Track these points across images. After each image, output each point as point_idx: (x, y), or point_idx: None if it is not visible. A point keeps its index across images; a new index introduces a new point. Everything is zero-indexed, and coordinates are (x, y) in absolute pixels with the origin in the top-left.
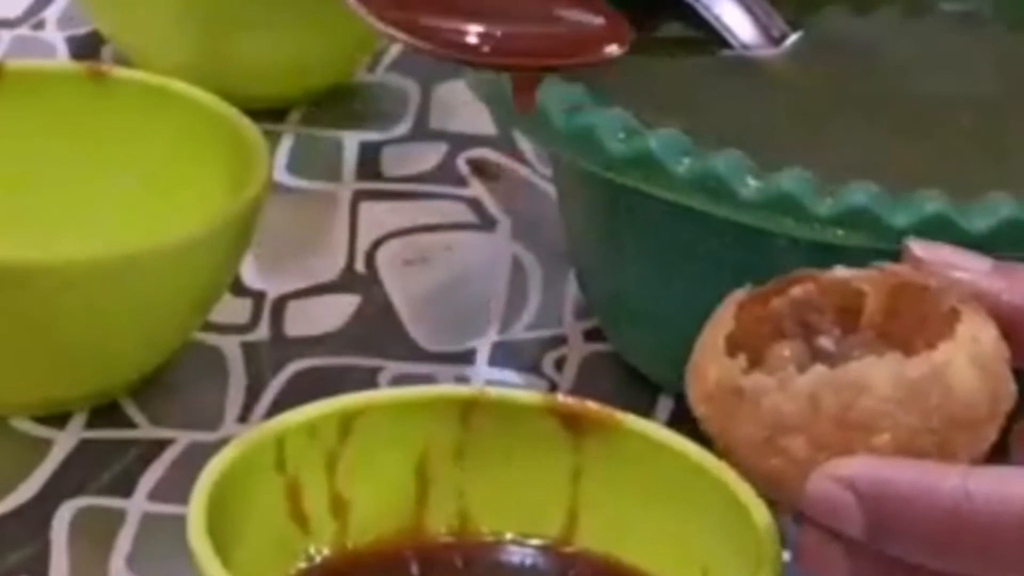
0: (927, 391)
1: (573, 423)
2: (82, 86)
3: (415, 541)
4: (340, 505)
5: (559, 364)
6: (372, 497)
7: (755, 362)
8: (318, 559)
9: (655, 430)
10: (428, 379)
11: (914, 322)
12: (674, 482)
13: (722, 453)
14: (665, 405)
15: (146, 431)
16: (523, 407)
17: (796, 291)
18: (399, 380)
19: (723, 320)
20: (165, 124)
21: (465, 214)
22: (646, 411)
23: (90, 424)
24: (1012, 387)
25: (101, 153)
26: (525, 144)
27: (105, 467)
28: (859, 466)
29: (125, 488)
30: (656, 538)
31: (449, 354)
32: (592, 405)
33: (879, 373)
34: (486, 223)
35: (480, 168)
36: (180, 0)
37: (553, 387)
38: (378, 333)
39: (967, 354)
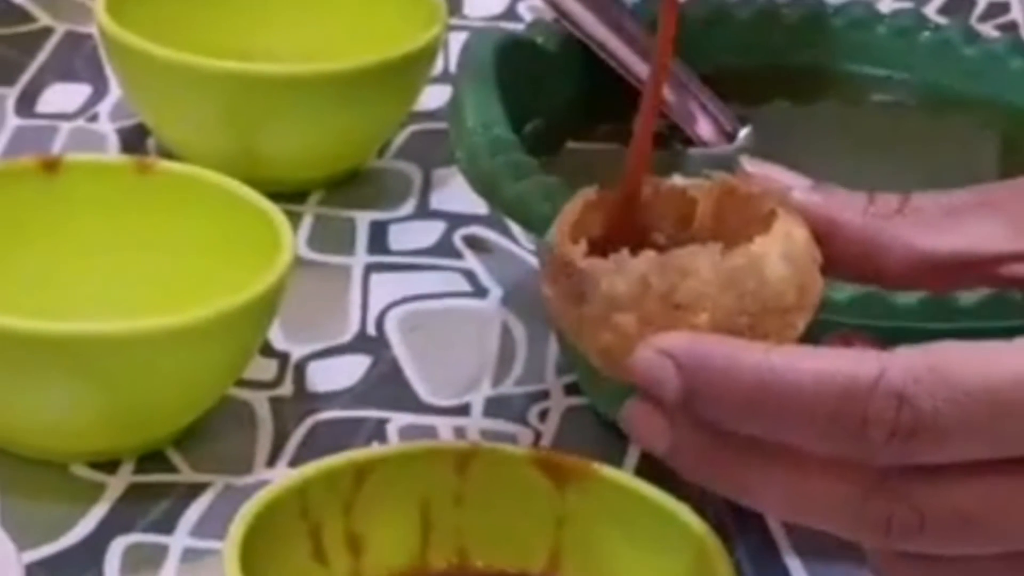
0: (743, 278)
1: (556, 473)
2: (131, 176)
3: (420, 573)
4: (355, 543)
5: (543, 415)
6: (383, 536)
7: (595, 252)
8: None
9: (628, 479)
10: (430, 429)
11: (738, 224)
12: (645, 525)
13: (565, 331)
14: (634, 452)
15: (187, 476)
16: (512, 459)
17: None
18: (405, 430)
19: (571, 213)
20: (202, 210)
21: (461, 284)
22: (618, 456)
23: (138, 470)
24: (819, 283)
25: (145, 235)
26: (512, 222)
27: (151, 507)
28: (679, 339)
29: (168, 526)
30: (629, 572)
31: (448, 407)
32: (572, 458)
33: (702, 260)
34: (479, 292)
35: (474, 243)
36: (215, 99)
37: (538, 436)
38: (387, 389)
39: (781, 248)
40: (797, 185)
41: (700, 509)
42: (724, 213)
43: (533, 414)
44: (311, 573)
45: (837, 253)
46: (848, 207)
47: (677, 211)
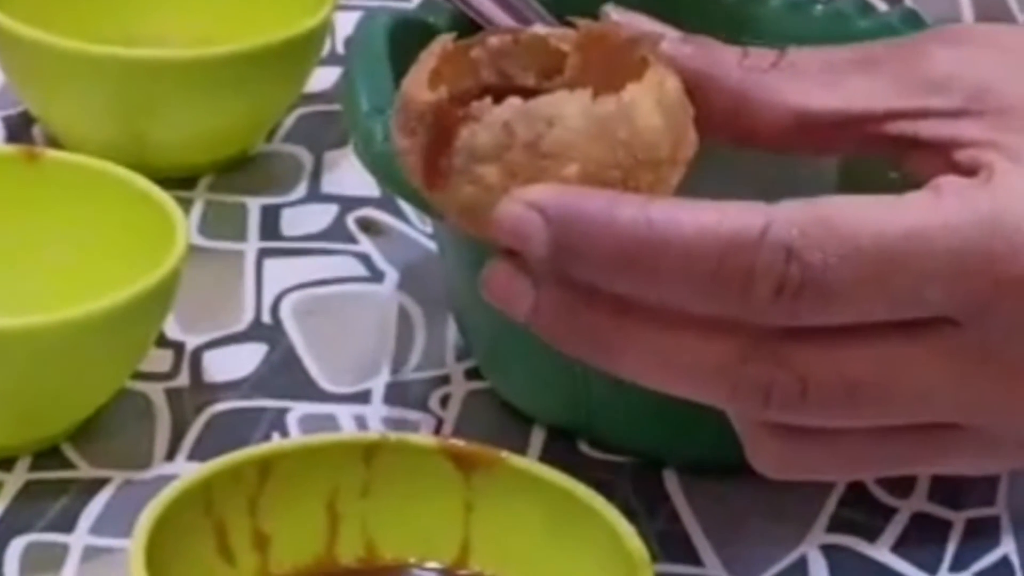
0: (614, 127)
1: (463, 462)
2: (19, 166)
3: (328, 569)
4: (261, 540)
5: (444, 401)
6: (289, 531)
7: (455, 102)
8: None
9: (535, 467)
10: (330, 418)
11: (607, 74)
12: (553, 513)
13: (419, 187)
14: (538, 435)
15: (85, 472)
16: (419, 449)
17: (493, 41)
18: (305, 419)
19: (427, 61)
20: (92, 199)
21: (356, 268)
22: (521, 441)
23: (34, 467)
24: (694, 137)
25: (34, 226)
26: (407, 204)
27: (49, 506)
28: (548, 191)
29: (68, 524)
30: (541, 563)
31: (348, 395)
32: (479, 446)
33: (570, 106)
34: (375, 276)
35: (368, 226)
36: (102, 85)
37: (440, 422)
38: (285, 377)
39: (653, 97)
40: (667, 35)
41: (608, 493)
42: (592, 64)
43: (434, 400)
44: (217, 571)
45: (707, 110)
46: (720, 60)
47: (540, 62)
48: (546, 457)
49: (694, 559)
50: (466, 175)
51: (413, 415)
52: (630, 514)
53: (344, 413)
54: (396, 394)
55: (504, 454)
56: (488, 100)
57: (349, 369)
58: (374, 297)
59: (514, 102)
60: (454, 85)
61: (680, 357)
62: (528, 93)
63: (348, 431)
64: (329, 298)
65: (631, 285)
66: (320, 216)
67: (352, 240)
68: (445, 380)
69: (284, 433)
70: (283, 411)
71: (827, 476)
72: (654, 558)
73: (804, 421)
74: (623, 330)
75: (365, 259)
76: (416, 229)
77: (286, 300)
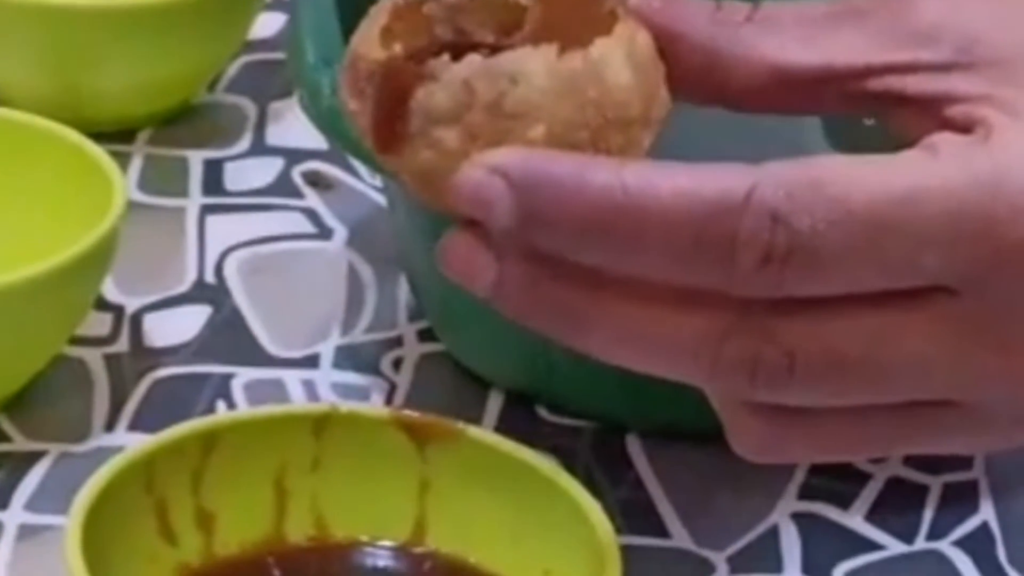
0: (583, 85)
1: (417, 434)
2: None
3: (276, 548)
4: (205, 519)
5: (397, 364)
6: (235, 509)
7: (409, 60)
8: (186, 572)
9: (493, 438)
10: (277, 384)
11: (573, 29)
12: (514, 487)
13: (371, 152)
14: (495, 400)
15: (20, 444)
16: (371, 421)
17: None
18: (251, 386)
19: (378, 17)
20: (27, 156)
21: (303, 224)
22: (478, 406)
23: None
24: (666, 96)
25: None
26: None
27: None
28: (512, 155)
29: (2, 500)
30: (500, 540)
31: (295, 359)
32: (434, 418)
33: (535, 63)
34: (323, 232)
35: (315, 180)
36: (36, 37)
37: (393, 387)
38: (229, 341)
39: (623, 53)
40: None
41: (569, 460)
42: (555, 18)
43: (386, 363)
44: (158, 552)
45: (679, 68)
46: (691, 14)
47: (499, 17)
48: (504, 423)
49: (660, 530)
50: (423, 139)
51: (364, 380)
52: (592, 483)
53: (292, 378)
54: (346, 358)
55: (461, 426)
56: (445, 57)
57: (297, 331)
58: (322, 255)
59: (474, 59)
60: (407, 43)
61: (656, 333)
62: (488, 52)
63: (297, 401)
64: (275, 256)
65: (603, 256)
66: (265, 170)
67: (299, 195)
68: (397, 342)
69: (229, 400)
70: (228, 377)
71: (814, 458)
72: (618, 530)
73: (791, 400)
74: (594, 305)
75: (312, 215)
76: (366, 183)
77: (230, 259)
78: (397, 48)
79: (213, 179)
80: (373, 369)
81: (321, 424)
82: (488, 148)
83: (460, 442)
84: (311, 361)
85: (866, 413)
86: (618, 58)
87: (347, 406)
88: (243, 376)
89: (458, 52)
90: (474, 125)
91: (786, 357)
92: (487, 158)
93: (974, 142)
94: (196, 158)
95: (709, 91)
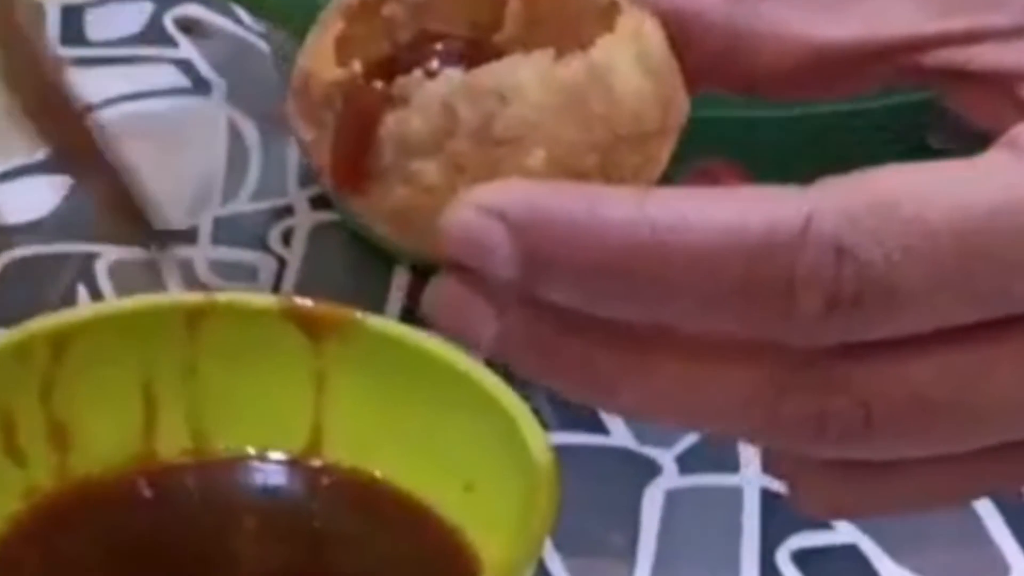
0: (585, 96)
1: (311, 327)
2: None
3: (146, 466)
4: (59, 434)
5: (286, 237)
6: (95, 423)
7: (372, 78)
8: (37, 496)
9: (399, 329)
10: (149, 265)
11: (563, 26)
12: (426, 387)
13: (335, 191)
14: (401, 277)
15: None
16: (256, 313)
17: None
18: (117, 267)
19: (330, 25)
20: None
21: (177, 77)
22: (381, 285)
23: None
24: (683, 96)
25: None
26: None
27: None
28: (509, 190)
29: None
30: (411, 449)
31: (169, 234)
32: (330, 306)
33: (526, 74)
34: (199, 86)
35: (189, 26)
36: None
37: (282, 264)
38: (91, 216)
39: (632, 53)
40: None
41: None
42: (542, 13)
43: (274, 236)
44: (4, 475)
45: (695, 57)
46: None
47: (471, 14)
48: (411, 305)
49: (596, 426)
50: (397, 174)
51: (249, 256)
52: (516, 376)
53: (165, 258)
54: (228, 231)
55: (360, 315)
56: (418, 74)
57: (170, 202)
58: (199, 112)
59: (453, 74)
60: (366, 55)
61: (697, 392)
62: (462, 47)
63: (171, 284)
64: (146, 116)
65: (627, 308)
66: (132, 16)
67: (171, 43)
68: (287, 211)
69: (92, 284)
70: (91, 257)
71: (896, 513)
72: (547, 427)
73: (867, 455)
74: (619, 362)
75: (186, 66)
76: (247, 28)
77: (93, 119)
78: (356, 64)
79: (73, 27)
80: (259, 243)
81: (196, 317)
82: (477, 182)
83: (360, 334)
84: (188, 236)
85: (952, 459)
86: (626, 60)
87: (226, 296)
88: (108, 255)
89: (422, 56)
90: (458, 155)
91: (861, 408)
92: (478, 196)
93: None
94: (52, 3)
95: (733, 79)
